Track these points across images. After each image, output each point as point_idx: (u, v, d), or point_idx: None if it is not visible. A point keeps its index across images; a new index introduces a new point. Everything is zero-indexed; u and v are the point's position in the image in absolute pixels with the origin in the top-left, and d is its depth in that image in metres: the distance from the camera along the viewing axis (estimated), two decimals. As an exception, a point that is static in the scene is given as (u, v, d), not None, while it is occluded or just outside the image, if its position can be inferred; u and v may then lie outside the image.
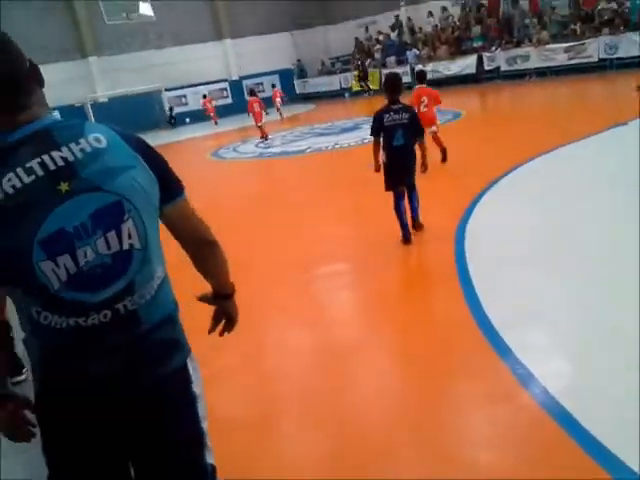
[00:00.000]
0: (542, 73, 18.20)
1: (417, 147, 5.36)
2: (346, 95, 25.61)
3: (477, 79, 20.15)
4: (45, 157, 1.34)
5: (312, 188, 8.92)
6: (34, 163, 1.33)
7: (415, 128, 5.25)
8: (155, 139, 19.08)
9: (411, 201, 5.47)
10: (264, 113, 15.20)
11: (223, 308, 1.84)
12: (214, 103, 24.57)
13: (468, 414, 2.87)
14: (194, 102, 25.72)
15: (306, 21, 28.65)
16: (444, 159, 8.45)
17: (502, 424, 2.74)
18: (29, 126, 1.38)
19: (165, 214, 1.55)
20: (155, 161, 1.50)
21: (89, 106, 23.16)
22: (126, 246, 1.43)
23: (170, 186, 1.55)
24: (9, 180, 1.30)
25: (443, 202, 6.58)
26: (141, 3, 23.80)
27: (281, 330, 4.30)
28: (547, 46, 17.89)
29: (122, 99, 23.20)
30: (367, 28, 26.85)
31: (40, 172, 1.33)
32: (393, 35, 25.04)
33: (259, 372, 3.69)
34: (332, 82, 27.12)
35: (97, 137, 1.41)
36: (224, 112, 25.27)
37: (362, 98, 23.81)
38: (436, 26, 23.24)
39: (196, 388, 1.60)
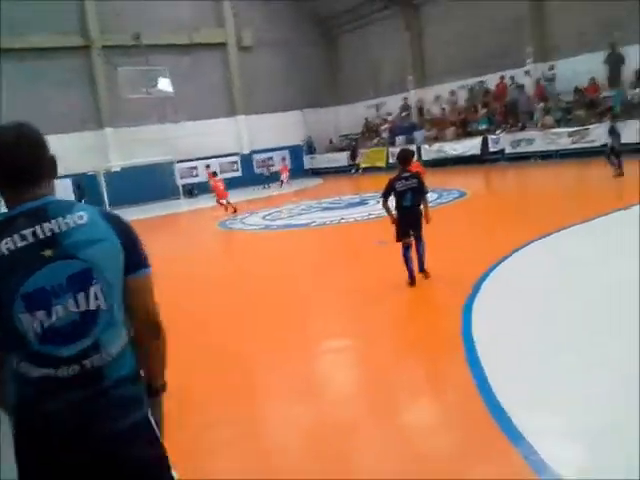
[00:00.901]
0: (547, 156, 18.53)
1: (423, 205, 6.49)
2: (352, 171, 26.20)
3: (481, 160, 20.53)
4: (37, 227, 1.64)
5: (314, 260, 8.89)
6: (27, 232, 1.64)
7: (421, 190, 6.44)
8: (166, 208, 19.38)
9: (417, 249, 6.46)
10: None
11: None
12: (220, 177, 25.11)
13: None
14: (204, 174, 26.14)
15: (318, 101, 29.67)
16: None
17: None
18: (32, 203, 1.68)
19: (127, 283, 1.75)
20: (128, 238, 1.76)
21: (102, 175, 23.63)
22: (93, 306, 1.67)
23: (136, 259, 1.77)
24: (6, 243, 1.62)
25: (449, 277, 6.52)
26: (161, 78, 24.76)
27: (279, 404, 4.13)
28: (552, 130, 18.31)
29: (135, 169, 23.67)
30: (377, 108, 27.75)
31: (31, 239, 1.63)
32: (403, 115, 25.83)
33: (255, 448, 3.51)
34: (340, 158, 27.75)
35: (80, 215, 1.69)
36: (234, 184, 25.76)
37: (369, 174, 24.26)
38: (443, 109, 23.98)
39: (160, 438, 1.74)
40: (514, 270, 6.61)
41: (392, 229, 6.54)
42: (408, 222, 6.39)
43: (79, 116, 24.13)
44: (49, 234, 1.64)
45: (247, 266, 9.31)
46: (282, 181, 24.14)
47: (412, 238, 6.41)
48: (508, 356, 4.27)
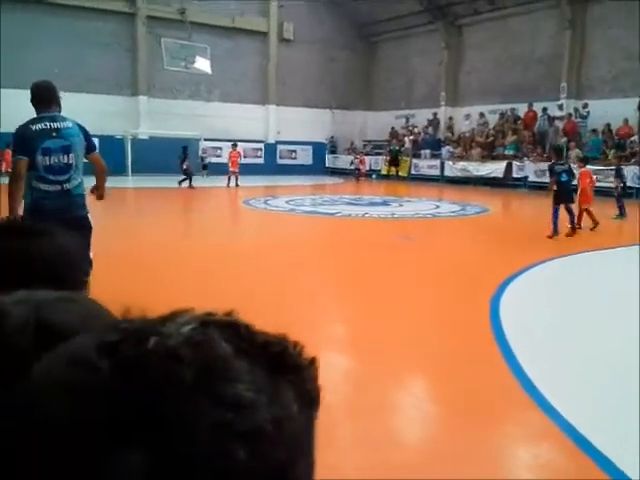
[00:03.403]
0: (568, 189, 18.80)
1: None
2: (373, 176, 26.35)
3: (503, 184, 20.81)
4: (52, 123, 4.00)
5: (344, 249, 9.05)
6: (47, 123, 3.99)
7: (572, 172, 9.95)
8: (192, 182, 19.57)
9: (569, 212, 9.58)
10: None
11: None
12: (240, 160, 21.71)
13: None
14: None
15: (347, 103, 30.03)
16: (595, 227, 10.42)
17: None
18: (51, 113, 4.03)
19: (90, 156, 4.26)
20: (88, 137, 4.23)
21: (129, 140, 23.94)
22: (70, 162, 4.04)
23: (92, 146, 4.29)
24: (39, 125, 3.97)
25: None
26: (199, 57, 25.10)
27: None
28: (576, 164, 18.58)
29: (161, 140, 23.96)
30: (407, 119, 27.98)
31: (48, 127, 3.98)
32: (429, 130, 26.15)
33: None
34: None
35: (69, 123, 4.08)
36: (255, 171, 26.05)
37: (389, 181, 24.48)
38: (472, 129, 24.29)
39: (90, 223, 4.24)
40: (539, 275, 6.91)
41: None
42: (562, 192, 9.53)
43: (114, 80, 24.50)
44: (55, 127, 3.98)
45: (271, 242, 9.55)
46: (363, 174, 25.37)
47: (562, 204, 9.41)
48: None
